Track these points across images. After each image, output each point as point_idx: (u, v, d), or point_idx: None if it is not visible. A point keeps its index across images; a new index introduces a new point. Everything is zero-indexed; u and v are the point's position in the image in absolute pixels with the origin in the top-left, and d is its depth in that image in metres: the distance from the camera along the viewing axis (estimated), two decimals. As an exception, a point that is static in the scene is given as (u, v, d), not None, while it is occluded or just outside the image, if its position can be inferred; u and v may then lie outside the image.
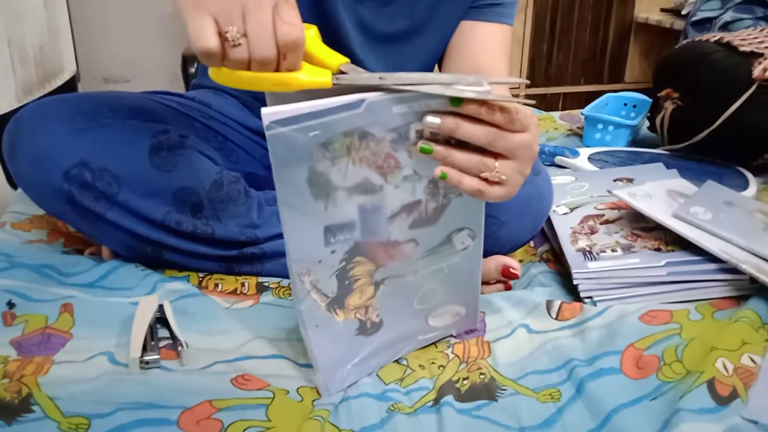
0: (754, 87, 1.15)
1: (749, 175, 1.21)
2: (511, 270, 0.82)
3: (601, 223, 0.91)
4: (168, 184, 0.79)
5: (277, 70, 0.53)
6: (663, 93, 1.32)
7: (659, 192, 0.93)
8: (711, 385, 0.60)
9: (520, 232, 0.86)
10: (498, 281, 0.85)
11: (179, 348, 0.67)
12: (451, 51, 0.97)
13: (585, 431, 0.60)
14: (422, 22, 0.92)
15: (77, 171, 0.75)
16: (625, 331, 0.71)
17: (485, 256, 0.68)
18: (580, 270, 0.80)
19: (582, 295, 0.80)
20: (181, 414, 0.59)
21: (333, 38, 0.85)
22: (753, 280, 0.77)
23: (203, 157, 0.83)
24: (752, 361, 0.64)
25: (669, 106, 1.30)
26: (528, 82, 0.64)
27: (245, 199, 0.83)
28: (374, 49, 0.91)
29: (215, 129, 0.93)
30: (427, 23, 0.93)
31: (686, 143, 1.27)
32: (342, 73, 0.55)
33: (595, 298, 0.79)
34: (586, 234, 0.88)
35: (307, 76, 0.54)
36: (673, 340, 0.69)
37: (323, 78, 0.54)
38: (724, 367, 0.63)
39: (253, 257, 0.84)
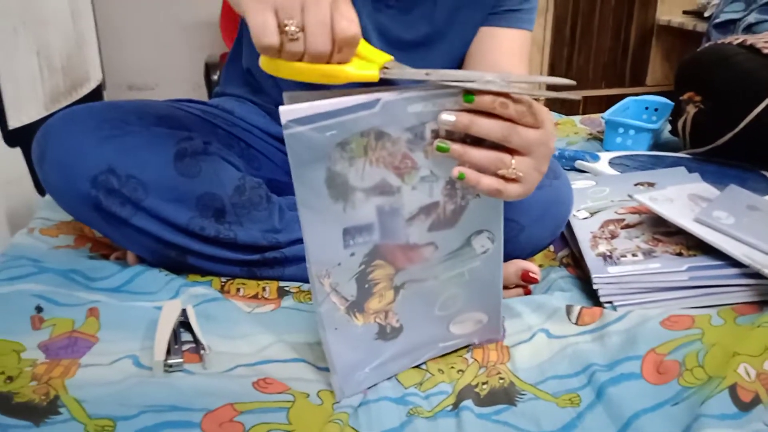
0: (777, 90, 1.14)
1: (773, 179, 1.19)
2: (530, 274, 0.82)
3: (621, 228, 0.91)
4: (192, 189, 0.80)
5: (327, 62, 0.54)
6: (685, 96, 1.30)
7: (681, 196, 0.92)
8: (733, 390, 0.60)
9: (539, 236, 0.86)
10: (517, 286, 0.85)
11: (202, 351, 0.68)
12: (471, 57, 0.97)
13: (605, 436, 0.60)
14: (442, 28, 0.93)
15: (104, 177, 0.76)
16: (646, 336, 0.70)
17: (504, 260, 0.68)
18: (600, 275, 0.80)
19: (602, 299, 0.80)
20: (204, 417, 0.60)
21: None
22: (776, 285, 0.76)
23: (226, 164, 0.84)
24: (775, 366, 0.63)
25: (691, 110, 1.29)
26: (574, 83, 0.58)
27: (267, 205, 0.84)
28: (395, 56, 0.92)
29: (238, 136, 0.95)
30: (446, 30, 0.93)
31: (709, 147, 1.26)
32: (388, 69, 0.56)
33: (615, 303, 0.79)
34: (606, 238, 0.88)
35: (355, 69, 0.55)
36: (695, 345, 0.69)
37: (371, 71, 0.55)
38: (747, 372, 0.62)
39: (274, 261, 0.85)
